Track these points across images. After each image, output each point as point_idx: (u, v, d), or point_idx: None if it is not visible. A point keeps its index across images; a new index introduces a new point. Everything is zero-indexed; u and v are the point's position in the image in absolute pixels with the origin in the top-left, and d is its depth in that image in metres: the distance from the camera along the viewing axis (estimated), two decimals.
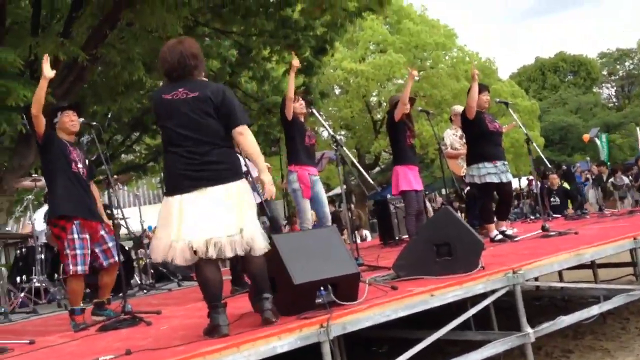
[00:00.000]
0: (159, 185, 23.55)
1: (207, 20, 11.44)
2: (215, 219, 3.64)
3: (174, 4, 9.40)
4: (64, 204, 5.03)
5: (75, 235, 4.96)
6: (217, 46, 13.10)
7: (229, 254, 3.65)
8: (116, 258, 5.21)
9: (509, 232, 7.33)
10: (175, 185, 3.72)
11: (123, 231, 8.37)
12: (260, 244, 3.75)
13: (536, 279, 5.12)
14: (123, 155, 18.81)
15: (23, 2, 10.60)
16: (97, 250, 5.14)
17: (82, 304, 5.10)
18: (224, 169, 3.75)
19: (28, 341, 4.50)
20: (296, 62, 6.61)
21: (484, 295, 4.68)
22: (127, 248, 8.51)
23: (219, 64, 13.70)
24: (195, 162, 3.69)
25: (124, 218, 7.37)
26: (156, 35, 9.75)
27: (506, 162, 7.31)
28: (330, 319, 3.66)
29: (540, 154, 7.75)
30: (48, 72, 4.79)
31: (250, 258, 3.77)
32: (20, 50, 8.18)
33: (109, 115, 14.69)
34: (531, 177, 11.76)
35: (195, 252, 3.63)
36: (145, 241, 8.97)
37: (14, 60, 7.76)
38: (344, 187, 6.51)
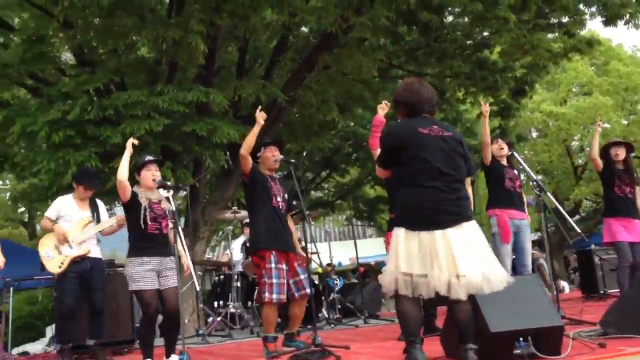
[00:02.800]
0: (345, 222, 23.90)
1: (401, 63, 11.44)
2: (477, 255, 3.65)
3: (370, 48, 9.60)
4: (264, 237, 5.23)
5: (273, 265, 5.11)
6: None
7: (487, 290, 3.61)
8: (307, 290, 5.32)
9: None
10: (434, 219, 3.71)
11: (313, 265, 8.57)
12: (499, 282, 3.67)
13: None
14: (312, 192, 19.41)
15: (230, 47, 11.40)
16: (290, 281, 5.25)
17: (274, 332, 5.22)
18: (470, 206, 3.91)
19: None
20: (486, 109, 6.47)
21: None
22: (316, 282, 8.67)
23: None
24: (453, 197, 3.76)
25: (317, 252, 7.51)
26: (350, 77, 9.99)
27: None
28: None
29: None
30: (261, 119, 5.26)
31: (459, 304, 3.65)
32: (226, 92, 8.77)
33: (304, 154, 15.25)
34: None
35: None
36: (333, 276, 9.13)
37: (221, 101, 8.35)
38: (545, 235, 6.11)
